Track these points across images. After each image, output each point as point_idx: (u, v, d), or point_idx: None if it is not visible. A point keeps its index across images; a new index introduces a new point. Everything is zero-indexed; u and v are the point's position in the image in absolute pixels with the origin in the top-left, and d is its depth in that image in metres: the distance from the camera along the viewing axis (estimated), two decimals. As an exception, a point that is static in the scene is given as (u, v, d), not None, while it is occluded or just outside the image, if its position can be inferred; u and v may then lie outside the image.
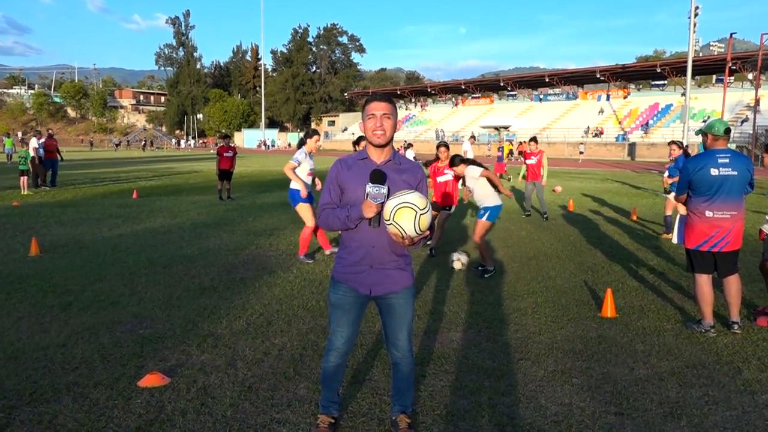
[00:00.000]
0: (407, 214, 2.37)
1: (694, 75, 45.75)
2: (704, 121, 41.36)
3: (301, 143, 6.74)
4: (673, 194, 8.30)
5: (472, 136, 18.25)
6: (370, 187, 2.48)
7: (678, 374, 3.69)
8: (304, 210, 6.68)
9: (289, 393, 3.36)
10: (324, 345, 4.06)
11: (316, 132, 6.65)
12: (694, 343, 4.24)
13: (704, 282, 4.46)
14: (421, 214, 2.38)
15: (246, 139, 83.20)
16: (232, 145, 14.19)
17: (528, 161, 11.06)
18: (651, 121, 47.10)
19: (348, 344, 2.74)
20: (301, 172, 6.68)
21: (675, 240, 4.75)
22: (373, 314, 4.71)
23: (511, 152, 39.39)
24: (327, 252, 7.12)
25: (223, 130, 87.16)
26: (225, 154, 13.63)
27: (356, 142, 7.45)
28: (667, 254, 7.46)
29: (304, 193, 6.62)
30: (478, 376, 3.61)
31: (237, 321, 4.64)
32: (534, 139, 11.23)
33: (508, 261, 7.05)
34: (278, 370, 3.68)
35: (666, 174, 8.89)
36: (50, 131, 17.61)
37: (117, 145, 72.43)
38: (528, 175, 11.10)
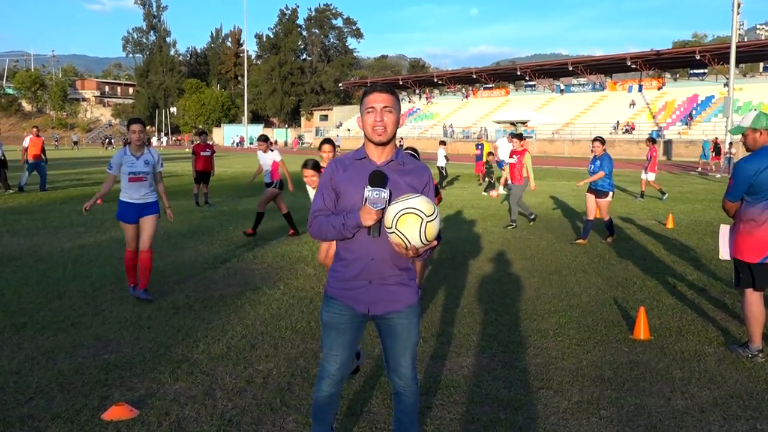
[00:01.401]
0: (412, 221, 2.37)
1: (738, 62, 45.93)
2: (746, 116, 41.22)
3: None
4: (592, 196, 9.11)
5: (513, 134, 18.26)
6: (368, 191, 2.48)
7: (721, 405, 3.69)
8: None
9: (275, 427, 3.36)
10: (315, 372, 4.06)
11: (329, 141, 6.33)
12: (739, 370, 4.25)
13: (756, 300, 4.46)
14: (427, 222, 2.38)
15: (226, 135, 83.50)
16: (210, 142, 14.22)
17: (509, 160, 11.03)
18: (688, 117, 47.24)
19: (343, 371, 2.75)
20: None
21: (723, 255, 4.73)
22: (372, 336, 4.71)
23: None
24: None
25: (200, 126, 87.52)
26: (202, 153, 13.68)
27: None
28: (709, 267, 7.47)
29: None
30: (492, 408, 3.61)
31: (216, 344, 4.64)
32: (519, 136, 11.21)
33: (527, 275, 7.06)
34: (263, 401, 3.68)
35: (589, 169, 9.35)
36: (36, 129, 17.72)
37: (75, 143, 72.57)
38: (511, 177, 11.02)
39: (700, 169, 30.58)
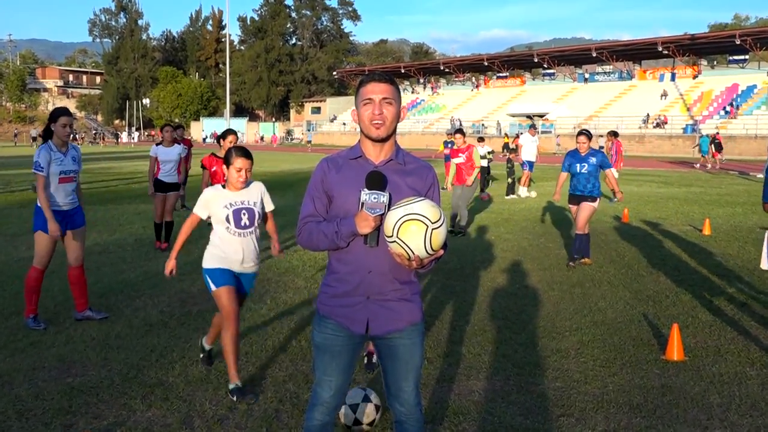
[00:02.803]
0: (415, 228, 2.37)
1: (783, 48, 46.00)
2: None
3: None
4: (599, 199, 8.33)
5: (533, 126, 18.14)
6: (365, 194, 2.48)
7: (765, 435, 3.69)
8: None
9: (261, 460, 3.36)
10: (307, 398, 4.06)
11: (232, 132, 7.06)
12: (785, 395, 4.25)
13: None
14: (433, 229, 2.38)
15: (206, 130, 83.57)
16: (187, 137, 14.24)
17: (455, 160, 10.87)
18: (729, 107, 47.30)
19: (338, 397, 2.75)
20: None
21: (766, 265, 4.74)
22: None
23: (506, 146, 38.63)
24: None
25: (176, 120, 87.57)
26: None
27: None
28: (751, 279, 7.48)
29: None
30: (505, 438, 3.61)
31: (194, 366, 4.65)
32: (460, 131, 11.16)
33: (545, 288, 7.07)
34: (247, 431, 3.68)
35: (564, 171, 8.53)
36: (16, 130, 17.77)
37: (34, 139, 72.81)
38: (457, 177, 10.85)
39: (698, 165, 31.98)
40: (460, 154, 10.83)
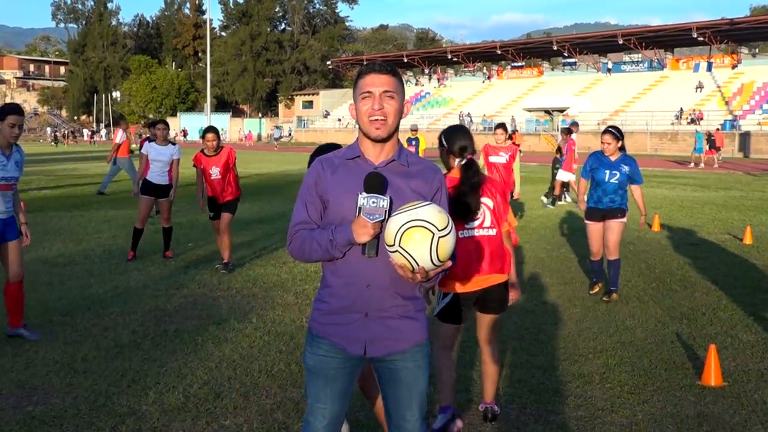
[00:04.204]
0: (420, 236, 2.38)
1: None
2: None
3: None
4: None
5: (575, 123, 17.87)
6: (363, 199, 2.49)
7: (814, 470, 3.69)
8: None
9: (245, 499, 3.36)
10: (297, 429, 4.06)
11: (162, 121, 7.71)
12: (837, 425, 4.25)
13: None
14: (440, 237, 2.39)
15: (186, 127, 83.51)
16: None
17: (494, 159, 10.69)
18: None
19: (332, 427, 2.76)
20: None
21: None
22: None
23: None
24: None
25: (151, 116, 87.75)
26: None
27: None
28: (798, 294, 7.48)
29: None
30: (522, 474, 3.62)
31: (170, 393, 4.65)
32: (501, 126, 10.96)
33: (566, 305, 7.07)
34: (230, 466, 3.68)
35: (573, 177, 7.82)
36: None
37: None
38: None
39: (692, 164, 33.15)
40: (501, 153, 10.53)
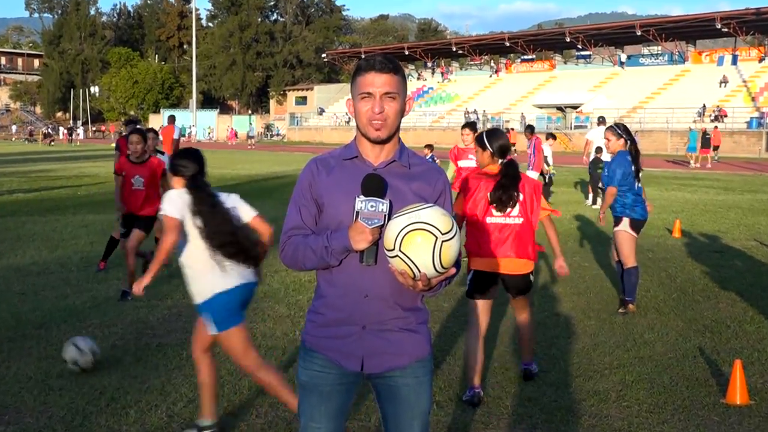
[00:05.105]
0: (422, 240, 2.37)
1: None
2: None
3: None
4: (626, 221, 7.32)
5: (602, 120, 17.66)
6: (361, 202, 2.49)
7: None
8: None
9: None
10: (289, 450, 4.05)
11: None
12: None
13: None
14: (443, 241, 2.38)
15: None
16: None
17: (463, 162, 10.13)
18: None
19: (327, 449, 2.76)
20: None
21: None
22: (368, 399, 4.72)
23: None
24: None
25: (132, 113, 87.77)
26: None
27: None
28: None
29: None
30: (532, 500, 3.61)
31: (152, 412, 4.64)
32: (470, 125, 10.31)
33: (580, 317, 7.07)
34: (217, 491, 3.67)
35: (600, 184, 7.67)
36: None
37: None
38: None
39: (691, 163, 33.80)
40: (470, 156, 9.93)
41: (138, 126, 14.30)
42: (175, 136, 17.88)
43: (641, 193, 7.46)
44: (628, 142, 7.44)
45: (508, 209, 4.96)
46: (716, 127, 39.44)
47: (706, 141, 34.03)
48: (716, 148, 35.92)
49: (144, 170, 7.96)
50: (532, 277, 5.19)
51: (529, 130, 16.43)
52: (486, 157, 5.09)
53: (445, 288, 2.61)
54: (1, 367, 5.45)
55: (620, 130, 7.51)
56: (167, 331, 6.45)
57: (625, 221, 7.36)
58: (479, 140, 5.15)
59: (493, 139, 5.08)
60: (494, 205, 4.93)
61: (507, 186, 4.93)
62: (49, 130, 77.45)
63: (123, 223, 8.08)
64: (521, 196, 5.00)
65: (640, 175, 7.48)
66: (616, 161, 7.38)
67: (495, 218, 4.99)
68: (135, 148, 7.88)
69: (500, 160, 5.04)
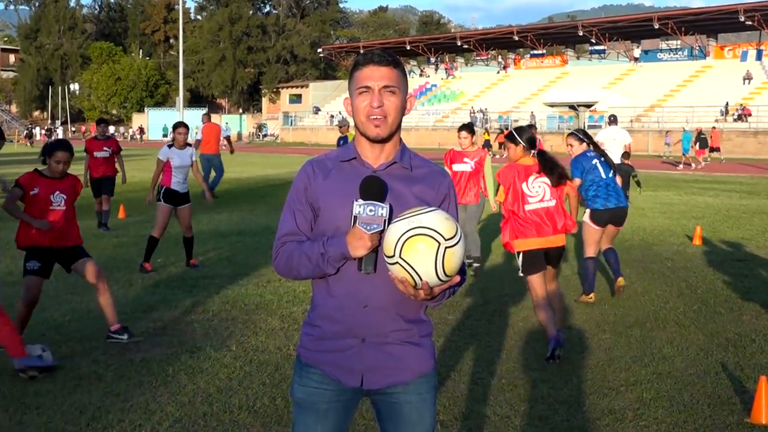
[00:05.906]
0: (423, 246, 2.37)
1: None
2: None
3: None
4: (588, 212, 8.32)
5: (613, 119, 17.55)
6: (359, 206, 2.48)
7: None
8: None
9: None
10: (283, 472, 4.05)
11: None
12: None
13: None
14: (446, 247, 2.37)
15: (152, 124, 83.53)
16: (110, 135, 14.26)
17: (458, 167, 9.95)
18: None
19: (324, 470, 2.76)
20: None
21: None
22: (367, 418, 4.72)
23: (487, 144, 40.05)
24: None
25: (114, 111, 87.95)
26: (97, 154, 13.63)
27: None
28: None
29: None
30: None
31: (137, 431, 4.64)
32: (467, 127, 10.18)
33: (594, 330, 7.07)
34: None
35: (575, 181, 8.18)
36: None
37: None
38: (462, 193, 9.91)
39: (681, 166, 34.41)
40: (465, 159, 9.90)
41: (108, 125, 14.39)
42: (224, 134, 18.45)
43: (611, 184, 8.35)
44: (591, 145, 8.60)
45: (538, 196, 6.28)
46: (714, 128, 39.59)
47: (703, 142, 34.40)
48: (715, 150, 36.21)
49: (63, 186, 7.12)
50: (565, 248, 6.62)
51: (578, 136, 16.31)
52: (519, 151, 6.34)
53: (450, 298, 2.61)
54: (-25, 384, 5.45)
55: (581, 134, 8.76)
56: (152, 345, 6.44)
57: (587, 213, 8.42)
58: (510, 137, 6.41)
59: (522, 133, 6.40)
60: (555, 181, 6.29)
61: (552, 165, 6.30)
62: (32, 131, 77.57)
63: (37, 256, 6.68)
64: (549, 181, 6.28)
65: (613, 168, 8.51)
66: (573, 162, 8.46)
67: (532, 205, 6.28)
68: (57, 167, 7.05)
69: (532, 151, 6.34)
